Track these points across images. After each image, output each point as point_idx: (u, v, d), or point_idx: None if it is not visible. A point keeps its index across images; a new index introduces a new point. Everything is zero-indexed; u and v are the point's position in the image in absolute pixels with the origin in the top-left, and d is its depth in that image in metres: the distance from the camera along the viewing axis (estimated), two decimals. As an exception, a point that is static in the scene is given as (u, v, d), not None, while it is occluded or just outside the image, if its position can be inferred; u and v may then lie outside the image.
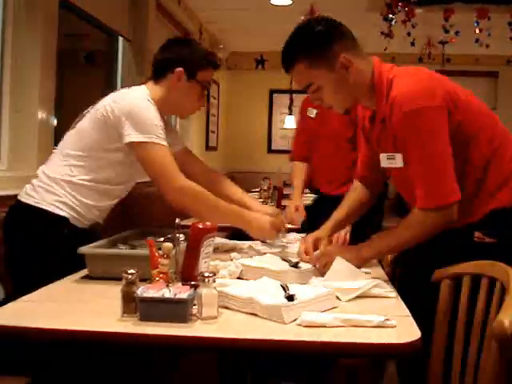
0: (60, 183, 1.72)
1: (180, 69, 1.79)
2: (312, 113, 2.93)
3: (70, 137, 1.79)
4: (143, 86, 1.83)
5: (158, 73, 1.83)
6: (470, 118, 1.50)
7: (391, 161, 1.55)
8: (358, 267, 1.52)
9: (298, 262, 1.54)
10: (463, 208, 1.47)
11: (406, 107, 1.42)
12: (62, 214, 1.70)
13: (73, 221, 1.73)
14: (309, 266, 1.54)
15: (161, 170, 1.69)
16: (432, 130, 1.42)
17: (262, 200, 3.53)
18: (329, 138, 2.89)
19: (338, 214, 1.83)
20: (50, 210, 1.69)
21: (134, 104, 1.70)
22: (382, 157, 1.59)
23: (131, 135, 1.67)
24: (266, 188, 4.12)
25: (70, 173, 1.72)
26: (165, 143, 1.70)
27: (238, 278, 1.54)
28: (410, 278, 1.66)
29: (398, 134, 1.48)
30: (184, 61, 1.80)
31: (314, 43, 1.50)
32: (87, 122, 1.75)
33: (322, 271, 1.53)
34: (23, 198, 1.74)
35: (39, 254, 1.65)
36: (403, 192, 1.66)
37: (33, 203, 1.71)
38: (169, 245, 1.26)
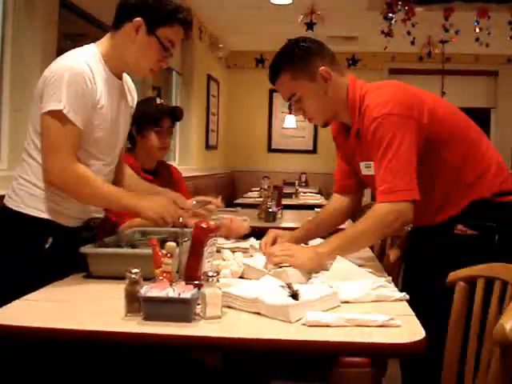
0: (37, 184, 1.58)
1: (139, 19, 1.55)
2: None
3: (28, 128, 1.62)
4: (91, 46, 1.63)
5: (116, 21, 1.60)
6: (441, 122, 1.63)
7: (369, 169, 1.65)
8: (317, 265, 1.54)
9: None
10: (446, 203, 1.63)
11: (375, 113, 1.56)
12: (43, 216, 1.57)
13: (59, 220, 1.60)
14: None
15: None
16: (396, 134, 1.53)
17: (262, 199, 3.52)
18: None
19: (309, 223, 1.92)
20: (31, 214, 1.57)
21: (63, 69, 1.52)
22: (362, 165, 1.70)
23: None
24: (266, 187, 4.10)
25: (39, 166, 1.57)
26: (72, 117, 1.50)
27: (240, 277, 1.54)
28: (416, 278, 1.73)
29: (368, 139, 1.59)
30: (145, 9, 1.55)
31: (297, 56, 1.66)
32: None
33: (272, 262, 1.53)
34: (6, 202, 1.62)
35: (19, 264, 1.54)
36: None
37: (13, 207, 1.59)
38: (172, 244, 1.25)
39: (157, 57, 1.62)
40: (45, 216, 1.58)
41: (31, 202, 1.58)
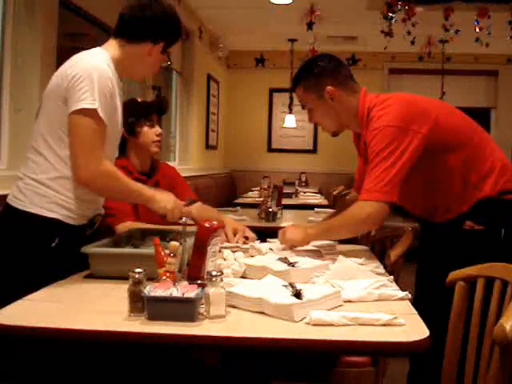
0: (46, 183, 1.59)
1: (161, 45, 1.69)
2: None
3: (38, 126, 1.63)
4: (102, 50, 1.69)
5: (135, 36, 1.68)
6: (444, 131, 1.78)
7: None
8: (305, 243, 1.81)
9: (296, 262, 1.54)
10: (454, 202, 1.79)
11: (375, 125, 1.74)
12: (52, 216, 1.59)
13: (67, 220, 1.61)
14: (308, 265, 1.54)
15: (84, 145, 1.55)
16: (390, 144, 1.69)
17: (262, 199, 3.52)
18: None
19: (326, 221, 2.05)
20: (39, 213, 1.58)
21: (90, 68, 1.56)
22: None
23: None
24: (266, 187, 4.11)
25: (53, 166, 1.59)
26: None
27: (242, 277, 1.54)
28: (428, 273, 1.86)
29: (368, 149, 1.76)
30: (168, 34, 1.71)
31: (311, 74, 1.86)
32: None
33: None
34: (11, 202, 1.62)
35: (27, 263, 1.55)
36: (402, 202, 1.85)
37: (21, 207, 1.59)
38: (176, 244, 1.25)
39: (159, 65, 1.78)
40: (53, 215, 1.59)
41: (39, 201, 1.59)
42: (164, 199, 1.71)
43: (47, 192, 1.59)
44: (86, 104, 1.53)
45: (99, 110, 1.54)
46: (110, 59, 1.65)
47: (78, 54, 1.65)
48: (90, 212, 1.70)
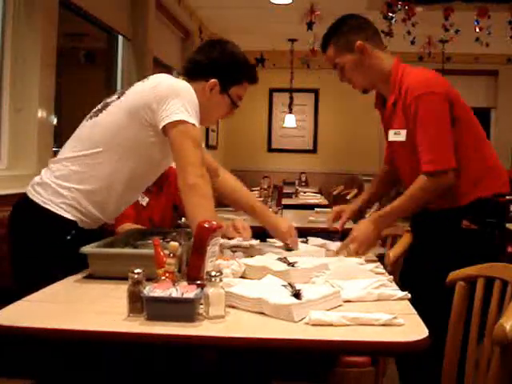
0: (70, 189, 1.63)
1: (214, 80, 1.69)
2: None
3: (85, 134, 1.67)
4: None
5: (191, 75, 1.71)
6: (462, 105, 1.88)
7: (397, 136, 1.90)
8: (381, 229, 1.89)
9: (295, 262, 1.54)
10: (451, 193, 1.84)
11: (415, 92, 1.81)
12: (68, 216, 1.63)
13: (80, 224, 1.65)
14: (308, 265, 1.54)
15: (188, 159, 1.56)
16: (436, 110, 1.80)
17: (262, 199, 3.52)
18: None
19: (363, 195, 2.21)
20: (57, 212, 1.61)
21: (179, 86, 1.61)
22: (390, 132, 1.94)
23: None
24: (266, 187, 4.10)
25: (81, 177, 1.63)
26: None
27: (241, 277, 1.54)
28: (420, 271, 1.88)
29: (408, 113, 1.84)
30: (220, 71, 1.69)
31: (340, 31, 1.96)
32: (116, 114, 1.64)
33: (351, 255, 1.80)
34: (31, 195, 1.65)
35: (42, 255, 1.59)
36: (401, 167, 2.01)
37: (40, 202, 1.62)
38: (175, 244, 1.25)
39: (226, 111, 1.78)
40: (68, 216, 1.62)
41: (57, 200, 1.62)
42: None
43: (68, 194, 1.62)
44: (191, 119, 1.55)
45: (197, 126, 1.58)
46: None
47: (155, 76, 1.69)
48: (102, 221, 1.74)
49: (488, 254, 1.70)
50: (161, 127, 1.56)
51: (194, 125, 1.56)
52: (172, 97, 1.55)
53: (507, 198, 1.90)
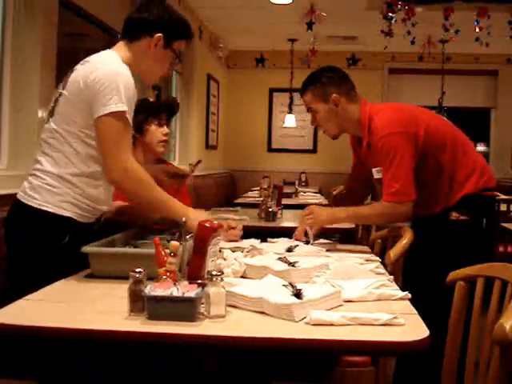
0: (64, 177, 1.64)
1: (159, 34, 1.73)
2: None
3: (53, 126, 1.67)
4: (113, 52, 1.73)
5: (133, 34, 1.74)
6: (435, 131, 2.06)
7: (379, 173, 2.06)
8: (331, 223, 2.14)
9: (296, 262, 1.55)
10: (442, 197, 2.06)
11: (380, 133, 2.01)
12: (66, 214, 1.64)
13: (79, 218, 1.67)
14: (308, 264, 1.54)
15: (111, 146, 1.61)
16: (398, 149, 1.97)
17: (262, 199, 3.51)
18: None
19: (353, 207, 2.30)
20: (53, 211, 1.63)
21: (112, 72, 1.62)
22: (374, 171, 2.10)
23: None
24: (266, 187, 4.09)
25: (72, 163, 1.64)
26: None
27: (242, 276, 1.54)
28: (417, 265, 2.02)
29: (377, 151, 2.03)
30: (164, 26, 1.74)
31: (320, 82, 2.14)
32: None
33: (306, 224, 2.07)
34: (24, 200, 1.66)
35: (43, 258, 1.60)
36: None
37: (36, 205, 1.63)
38: (176, 243, 1.25)
39: (168, 67, 1.82)
40: (66, 214, 1.64)
41: (53, 199, 1.63)
42: (197, 218, 1.63)
43: (62, 190, 1.64)
44: (114, 108, 1.58)
45: (127, 114, 1.60)
46: (121, 62, 1.69)
47: (92, 57, 1.70)
48: (99, 212, 1.75)
49: (475, 242, 1.98)
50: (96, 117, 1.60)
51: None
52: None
53: (496, 192, 2.12)
